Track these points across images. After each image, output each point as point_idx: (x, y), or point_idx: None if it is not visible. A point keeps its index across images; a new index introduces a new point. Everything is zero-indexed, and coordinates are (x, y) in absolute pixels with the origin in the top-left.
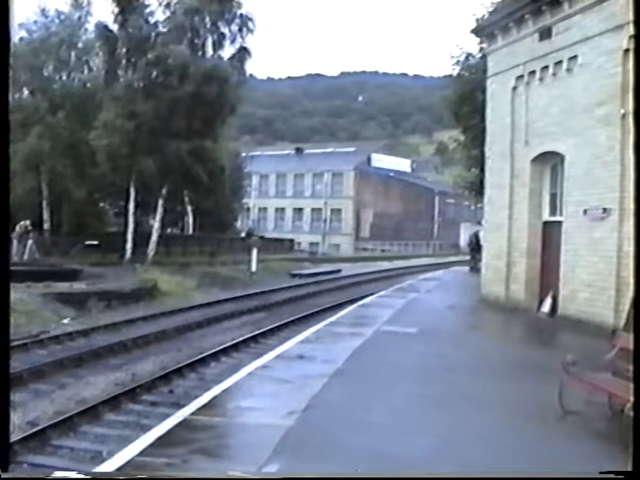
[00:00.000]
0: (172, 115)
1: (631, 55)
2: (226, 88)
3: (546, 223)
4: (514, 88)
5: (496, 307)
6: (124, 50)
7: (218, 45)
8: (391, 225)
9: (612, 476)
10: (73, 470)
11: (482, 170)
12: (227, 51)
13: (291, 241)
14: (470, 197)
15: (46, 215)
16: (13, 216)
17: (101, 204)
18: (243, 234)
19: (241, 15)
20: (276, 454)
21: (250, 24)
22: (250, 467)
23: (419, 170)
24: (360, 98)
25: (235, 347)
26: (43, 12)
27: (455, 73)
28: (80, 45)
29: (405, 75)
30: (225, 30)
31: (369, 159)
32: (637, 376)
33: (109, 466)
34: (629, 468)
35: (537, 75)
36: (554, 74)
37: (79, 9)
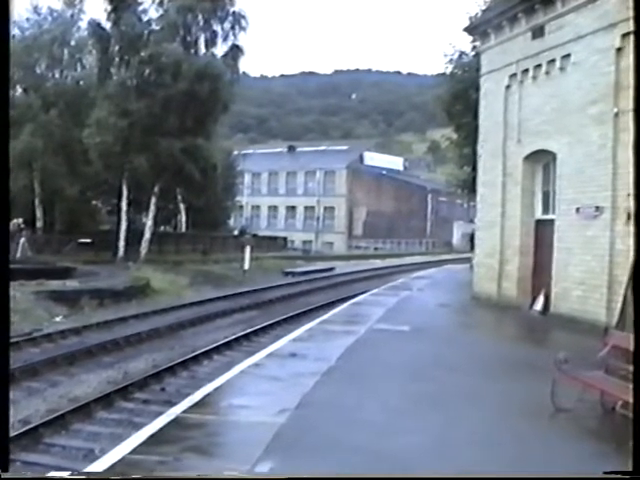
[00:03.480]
0: (165, 113)
1: (631, 52)
2: (219, 86)
3: (539, 221)
4: (507, 86)
5: (488, 305)
6: (117, 48)
7: (211, 43)
8: (384, 223)
9: (612, 476)
10: (65, 468)
11: (474, 168)
12: (220, 49)
13: (284, 239)
14: (463, 195)
15: (39, 213)
16: None
17: (94, 202)
18: (236, 232)
19: (234, 13)
20: (268, 452)
21: (243, 22)
22: (243, 465)
23: (412, 168)
24: (353, 96)
25: (227, 345)
26: (36, 10)
27: (448, 71)
28: (73, 43)
29: (399, 73)
30: (218, 28)
31: (362, 157)
32: (637, 376)
33: (101, 464)
34: (626, 466)
35: (530, 73)
36: (547, 72)
37: (72, 7)
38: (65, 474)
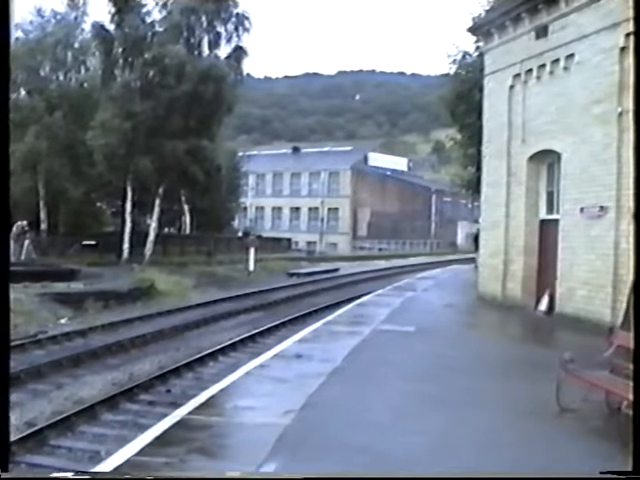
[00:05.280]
0: (169, 115)
1: (631, 52)
2: (223, 87)
3: (543, 221)
4: (511, 86)
5: (493, 305)
6: (121, 50)
7: (214, 44)
8: (388, 224)
9: (612, 476)
10: (70, 470)
11: (479, 168)
12: (223, 50)
13: (288, 240)
14: (467, 195)
15: (43, 215)
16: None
17: (98, 204)
18: (240, 233)
19: (237, 14)
20: (274, 453)
21: (246, 23)
22: (248, 466)
23: (416, 169)
24: (357, 97)
25: (233, 346)
26: (39, 12)
27: (452, 72)
28: (77, 45)
29: (402, 74)
30: (221, 29)
31: (366, 158)
32: (637, 375)
33: (107, 466)
34: (628, 466)
35: (534, 73)
36: (551, 72)
37: (75, 9)
38: (66, 475)
